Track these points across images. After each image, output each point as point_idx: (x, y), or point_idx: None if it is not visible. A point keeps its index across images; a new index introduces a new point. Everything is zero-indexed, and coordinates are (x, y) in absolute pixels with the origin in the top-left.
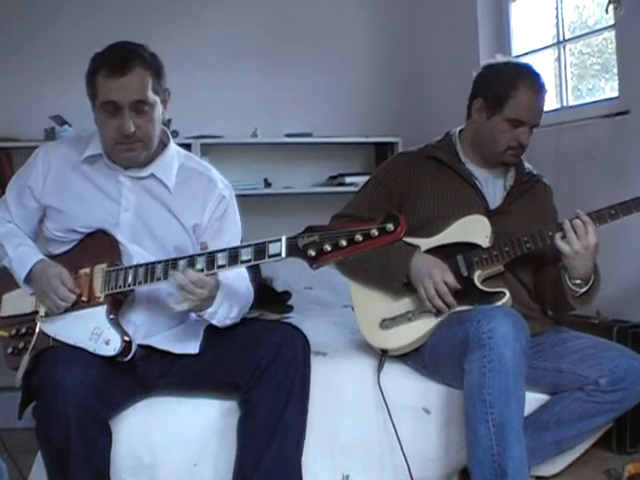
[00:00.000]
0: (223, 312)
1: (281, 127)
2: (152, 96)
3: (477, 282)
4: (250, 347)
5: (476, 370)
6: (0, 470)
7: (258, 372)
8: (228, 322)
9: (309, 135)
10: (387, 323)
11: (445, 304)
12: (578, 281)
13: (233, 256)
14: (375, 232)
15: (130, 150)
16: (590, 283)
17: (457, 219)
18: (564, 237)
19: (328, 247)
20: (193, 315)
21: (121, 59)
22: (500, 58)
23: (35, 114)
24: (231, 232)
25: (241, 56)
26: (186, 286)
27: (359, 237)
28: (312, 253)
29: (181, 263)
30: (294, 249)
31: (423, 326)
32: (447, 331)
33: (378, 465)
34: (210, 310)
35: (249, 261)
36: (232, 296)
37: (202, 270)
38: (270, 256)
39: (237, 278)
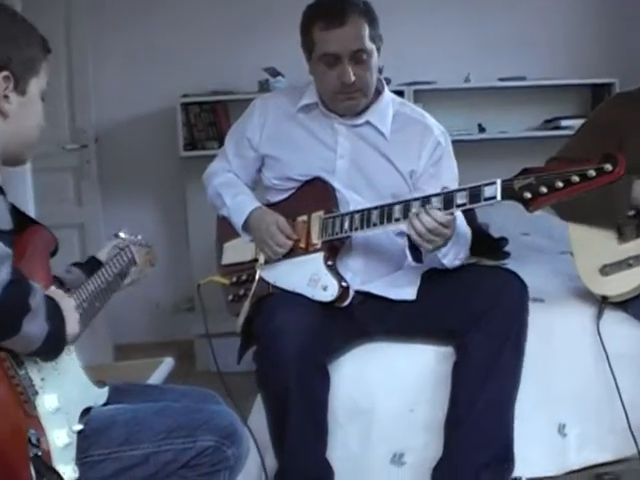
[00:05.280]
0: (455, 252)
1: (494, 71)
2: (369, 44)
3: None
4: (467, 293)
5: None
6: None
7: (475, 318)
8: (457, 263)
9: (523, 79)
10: (607, 269)
11: None
12: None
13: (448, 200)
14: (592, 173)
15: (350, 99)
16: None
17: None
18: None
19: (544, 189)
20: (410, 261)
21: (337, 10)
22: None
23: (248, 67)
24: (447, 178)
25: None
26: (435, 229)
27: (576, 178)
28: (528, 195)
29: (415, 204)
30: (509, 192)
31: None
32: None
33: (595, 415)
34: (444, 250)
35: (464, 205)
36: (462, 236)
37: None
38: (485, 199)
39: (462, 221)
